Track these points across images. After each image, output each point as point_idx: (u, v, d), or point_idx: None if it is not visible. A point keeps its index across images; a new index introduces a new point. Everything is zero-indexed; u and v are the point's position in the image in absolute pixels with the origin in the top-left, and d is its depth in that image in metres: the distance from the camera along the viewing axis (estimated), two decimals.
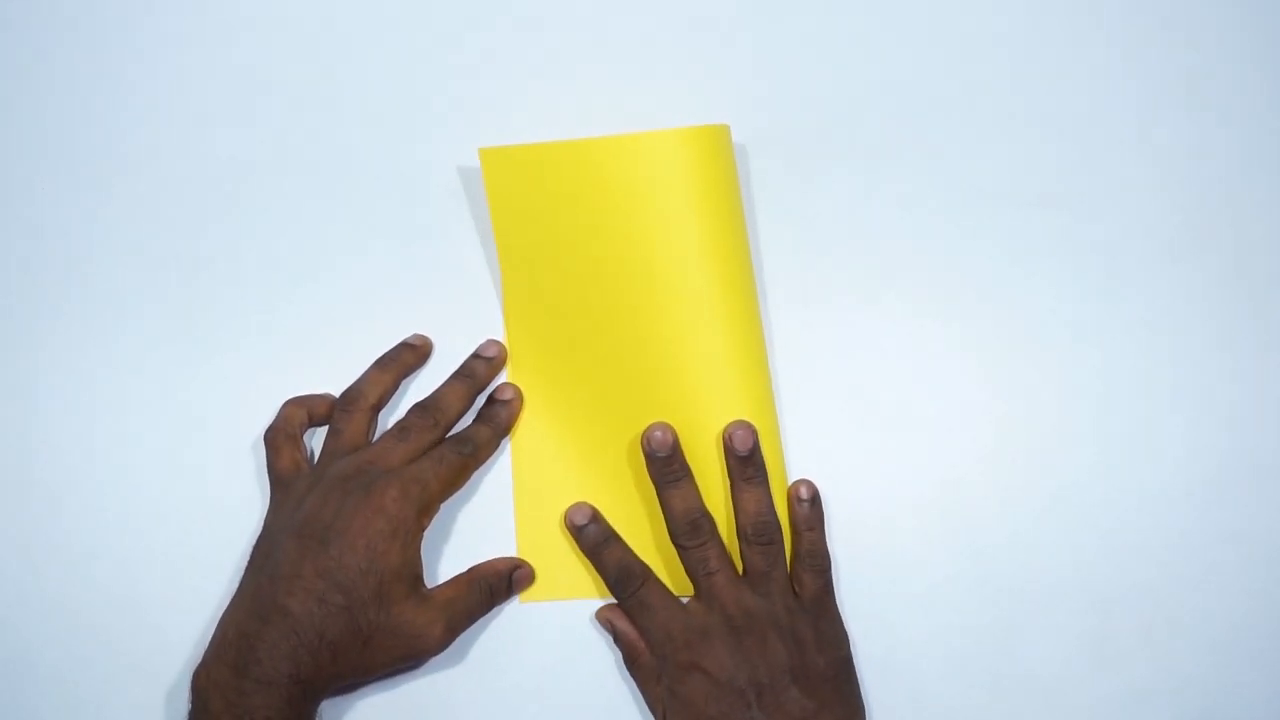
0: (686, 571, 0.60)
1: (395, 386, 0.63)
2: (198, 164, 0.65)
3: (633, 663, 0.60)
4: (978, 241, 0.64)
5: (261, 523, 0.61)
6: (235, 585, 0.59)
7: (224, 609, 0.57)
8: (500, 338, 0.64)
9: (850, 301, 0.64)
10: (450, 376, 0.63)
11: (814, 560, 0.60)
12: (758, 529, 0.59)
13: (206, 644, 0.56)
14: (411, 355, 0.63)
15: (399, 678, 0.60)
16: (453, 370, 0.63)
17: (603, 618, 0.61)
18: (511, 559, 0.61)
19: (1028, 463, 0.62)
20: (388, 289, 0.64)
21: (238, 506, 0.62)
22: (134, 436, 0.63)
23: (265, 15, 0.67)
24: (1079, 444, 0.62)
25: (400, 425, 0.61)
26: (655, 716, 0.59)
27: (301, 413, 0.62)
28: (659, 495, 0.60)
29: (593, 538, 0.61)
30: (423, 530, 0.59)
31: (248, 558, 0.59)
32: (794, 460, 0.62)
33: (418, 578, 0.59)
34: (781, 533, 0.60)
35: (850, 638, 0.59)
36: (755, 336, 0.62)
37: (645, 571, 0.60)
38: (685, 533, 0.59)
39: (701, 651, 0.57)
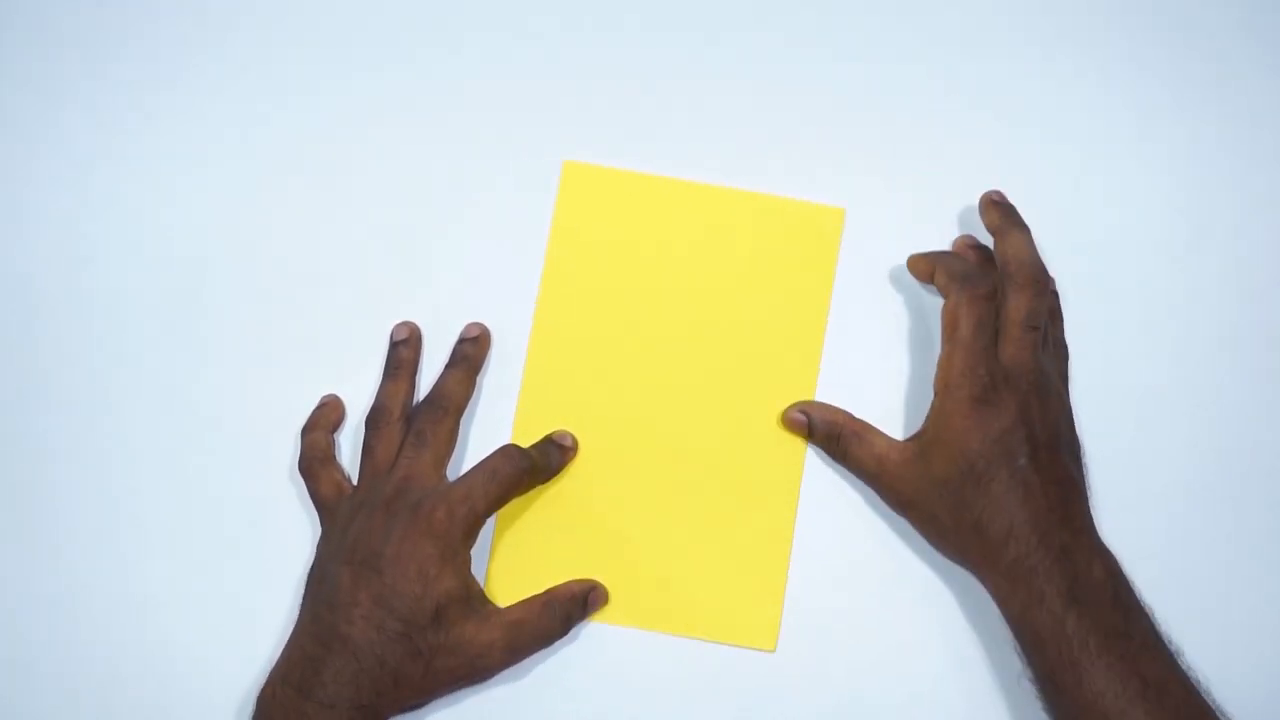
0: (1003, 318, 0.58)
1: (414, 388, 0.63)
2: (209, 164, 0.65)
3: (846, 439, 0.60)
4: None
5: (271, 518, 0.62)
6: (252, 593, 0.61)
7: (284, 631, 0.59)
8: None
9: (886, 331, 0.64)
10: (446, 366, 0.63)
11: (1060, 348, 0.62)
12: (1044, 277, 0.59)
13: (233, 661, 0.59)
14: (410, 351, 0.63)
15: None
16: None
17: (791, 414, 0.61)
18: (586, 581, 0.61)
19: None
20: (412, 288, 0.64)
21: (253, 509, 0.63)
22: (146, 441, 0.63)
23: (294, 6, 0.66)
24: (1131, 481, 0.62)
25: (415, 430, 0.60)
26: (888, 482, 0.60)
27: (322, 435, 0.62)
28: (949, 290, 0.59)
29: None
30: (470, 548, 0.59)
31: (303, 582, 0.60)
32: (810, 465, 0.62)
33: (476, 595, 0.59)
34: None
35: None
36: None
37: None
38: (964, 289, 0.59)
39: (994, 397, 0.57)
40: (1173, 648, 0.56)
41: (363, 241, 0.64)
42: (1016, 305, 0.58)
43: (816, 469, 0.62)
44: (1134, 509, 0.61)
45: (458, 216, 0.64)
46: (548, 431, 0.62)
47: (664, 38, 0.65)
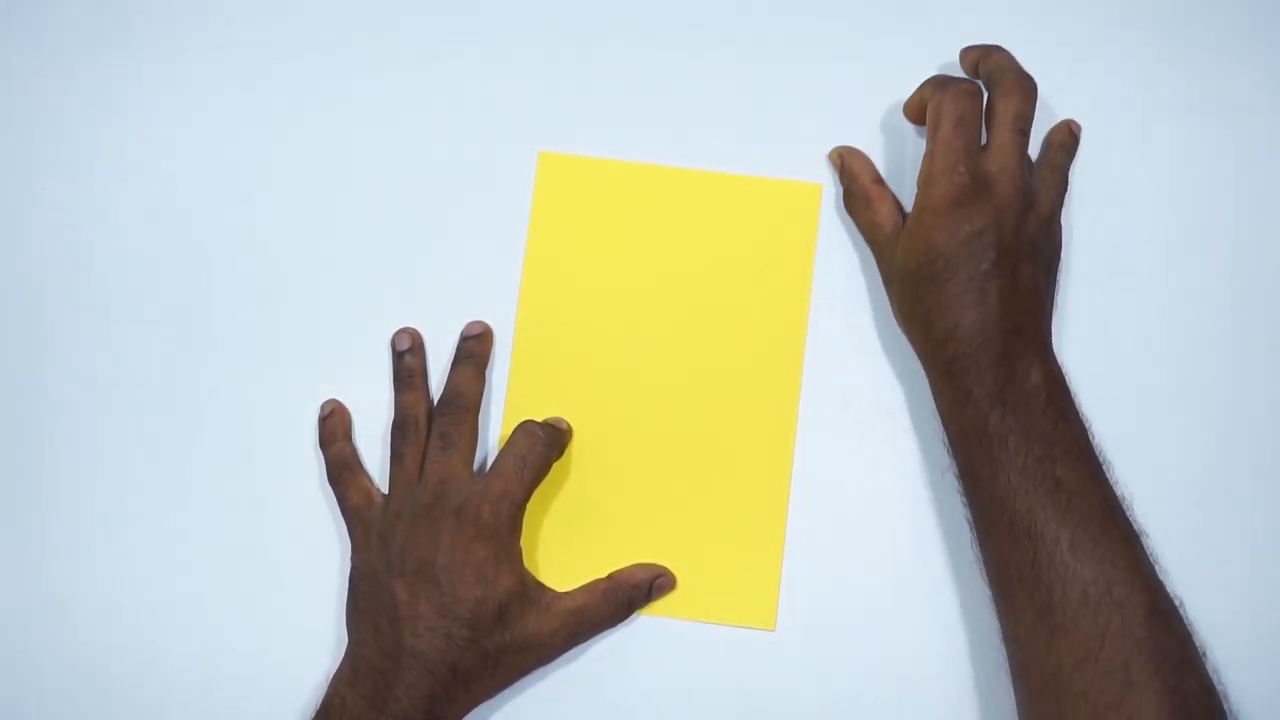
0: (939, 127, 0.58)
1: (429, 393, 0.63)
2: (210, 166, 0.65)
3: (855, 198, 0.62)
4: None
5: (271, 518, 0.62)
6: (257, 596, 0.62)
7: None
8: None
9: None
10: (455, 364, 0.63)
11: (1060, 175, 0.62)
12: (1029, 81, 0.59)
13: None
14: (416, 359, 0.63)
15: None
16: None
17: (830, 155, 0.63)
18: (652, 567, 0.61)
19: None
20: (409, 284, 0.64)
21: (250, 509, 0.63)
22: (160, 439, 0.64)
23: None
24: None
25: (439, 433, 0.60)
26: (879, 252, 0.62)
27: (346, 444, 0.62)
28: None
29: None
30: (518, 539, 0.59)
31: (345, 597, 0.60)
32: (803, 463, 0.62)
33: (533, 586, 0.59)
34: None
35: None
36: (786, 405, 0.62)
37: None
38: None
39: (971, 198, 0.56)
40: (1102, 459, 0.56)
41: (343, 242, 0.64)
42: (1004, 108, 0.58)
43: (808, 448, 0.62)
44: (1134, 507, 0.61)
45: (437, 214, 0.64)
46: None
47: (633, 23, 0.66)
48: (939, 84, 0.59)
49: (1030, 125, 0.58)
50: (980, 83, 0.60)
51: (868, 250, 0.63)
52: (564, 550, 0.61)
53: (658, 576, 0.61)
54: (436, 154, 0.65)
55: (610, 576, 0.60)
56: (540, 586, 0.59)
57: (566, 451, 0.62)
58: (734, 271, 0.63)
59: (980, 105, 0.58)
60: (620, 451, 0.62)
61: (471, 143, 0.65)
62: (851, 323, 0.63)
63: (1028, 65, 0.63)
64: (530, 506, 0.60)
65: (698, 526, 0.62)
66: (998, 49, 0.61)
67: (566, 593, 0.59)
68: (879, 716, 0.60)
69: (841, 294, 0.63)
